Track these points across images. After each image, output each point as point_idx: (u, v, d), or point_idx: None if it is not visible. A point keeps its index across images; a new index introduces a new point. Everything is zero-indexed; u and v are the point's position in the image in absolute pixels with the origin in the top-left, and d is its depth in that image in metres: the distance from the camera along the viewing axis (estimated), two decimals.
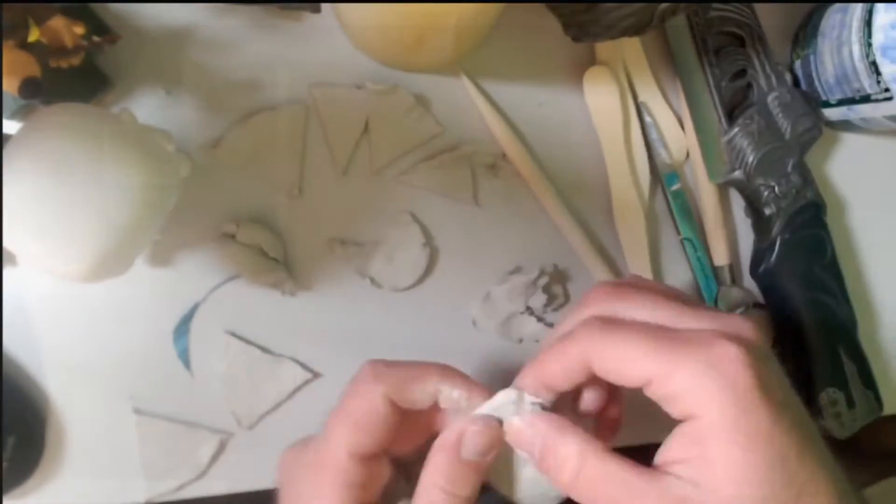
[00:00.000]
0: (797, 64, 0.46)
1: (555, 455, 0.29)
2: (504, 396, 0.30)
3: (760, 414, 0.26)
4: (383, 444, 0.31)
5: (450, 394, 0.31)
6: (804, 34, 0.46)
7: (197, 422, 0.41)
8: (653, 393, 0.28)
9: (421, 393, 0.31)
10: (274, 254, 0.40)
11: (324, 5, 0.41)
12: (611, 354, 0.29)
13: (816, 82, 0.45)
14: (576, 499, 0.28)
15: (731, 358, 0.26)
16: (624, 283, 0.33)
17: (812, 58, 0.45)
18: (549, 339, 0.32)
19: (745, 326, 0.29)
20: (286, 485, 0.32)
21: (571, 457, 0.28)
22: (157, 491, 0.40)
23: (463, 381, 0.31)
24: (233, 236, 0.40)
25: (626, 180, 0.44)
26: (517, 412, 0.30)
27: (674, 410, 0.27)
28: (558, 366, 0.30)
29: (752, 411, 0.26)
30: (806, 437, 0.27)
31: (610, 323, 0.29)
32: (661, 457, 0.28)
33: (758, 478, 0.26)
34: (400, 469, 0.32)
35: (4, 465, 0.37)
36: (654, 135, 0.45)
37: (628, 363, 0.28)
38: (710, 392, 0.26)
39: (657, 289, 0.32)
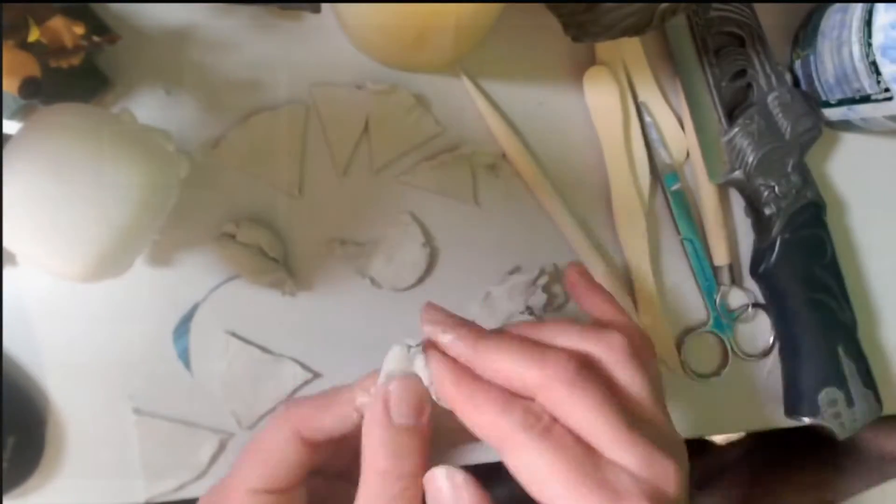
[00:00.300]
0: (797, 64, 0.46)
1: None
2: (393, 354, 0.30)
3: None
4: (292, 479, 0.31)
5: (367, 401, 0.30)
6: (804, 34, 0.46)
7: (197, 422, 0.41)
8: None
9: (333, 420, 0.30)
10: (274, 254, 0.40)
11: (324, 5, 0.41)
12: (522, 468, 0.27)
13: (816, 82, 0.45)
14: None
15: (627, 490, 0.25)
16: (587, 380, 0.28)
17: (812, 58, 0.45)
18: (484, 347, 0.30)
19: (669, 470, 0.27)
20: None
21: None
22: (157, 491, 0.40)
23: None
24: (233, 236, 0.40)
25: (626, 180, 0.44)
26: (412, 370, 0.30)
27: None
28: (476, 416, 0.28)
29: None
30: None
31: (547, 430, 0.27)
32: None
33: None
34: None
35: (4, 465, 0.37)
36: (654, 135, 0.45)
37: (536, 481, 0.26)
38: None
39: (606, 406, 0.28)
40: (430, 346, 0.30)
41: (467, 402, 0.28)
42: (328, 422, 0.30)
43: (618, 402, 0.28)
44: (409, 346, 0.30)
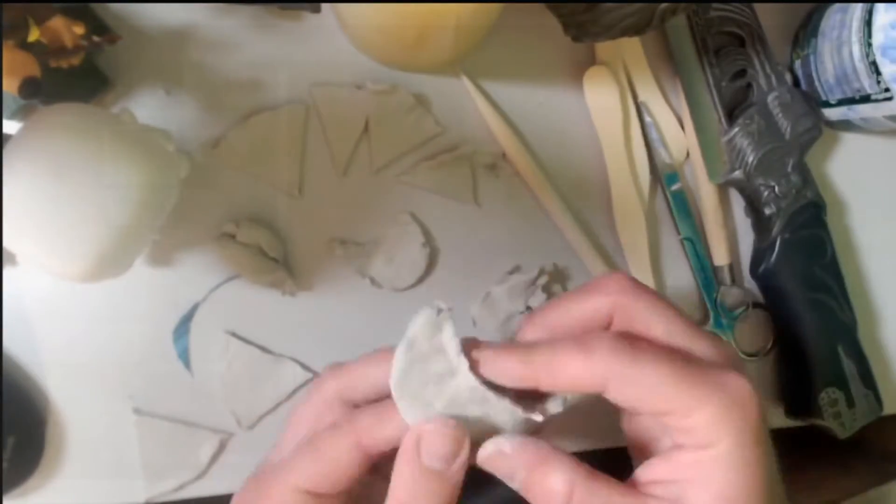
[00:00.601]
0: (797, 64, 0.46)
1: (542, 486, 0.27)
2: (421, 319, 0.28)
3: (760, 447, 0.27)
4: (342, 486, 0.29)
5: None
6: (804, 34, 0.46)
7: (197, 422, 0.41)
8: (663, 423, 0.28)
9: (393, 433, 0.29)
10: (274, 254, 0.40)
11: (324, 5, 0.41)
12: (635, 385, 0.27)
13: (816, 82, 0.45)
14: None
15: (746, 396, 0.27)
16: (643, 285, 0.31)
17: (812, 58, 0.45)
18: (538, 319, 0.31)
19: (735, 353, 0.30)
20: None
21: (560, 487, 0.27)
22: (157, 491, 0.40)
23: None
24: (233, 236, 0.40)
25: (626, 180, 0.44)
26: (457, 370, 0.27)
27: (681, 440, 0.27)
28: (572, 371, 0.27)
29: (755, 444, 0.27)
30: (774, 468, 0.28)
31: (634, 347, 0.27)
32: (645, 475, 0.28)
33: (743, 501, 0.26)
34: None
35: (4, 465, 0.37)
36: (654, 135, 0.45)
37: (652, 396, 0.27)
38: (727, 429, 0.26)
39: (668, 301, 0.31)
40: (472, 346, 0.28)
41: (547, 367, 0.27)
42: (389, 434, 0.29)
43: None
44: (440, 310, 0.28)
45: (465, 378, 0.27)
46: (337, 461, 0.28)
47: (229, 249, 0.39)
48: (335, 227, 0.42)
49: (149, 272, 0.40)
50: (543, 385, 0.28)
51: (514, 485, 0.28)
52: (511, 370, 0.28)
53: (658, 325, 0.29)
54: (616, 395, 0.27)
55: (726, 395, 0.27)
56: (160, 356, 0.40)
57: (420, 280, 0.43)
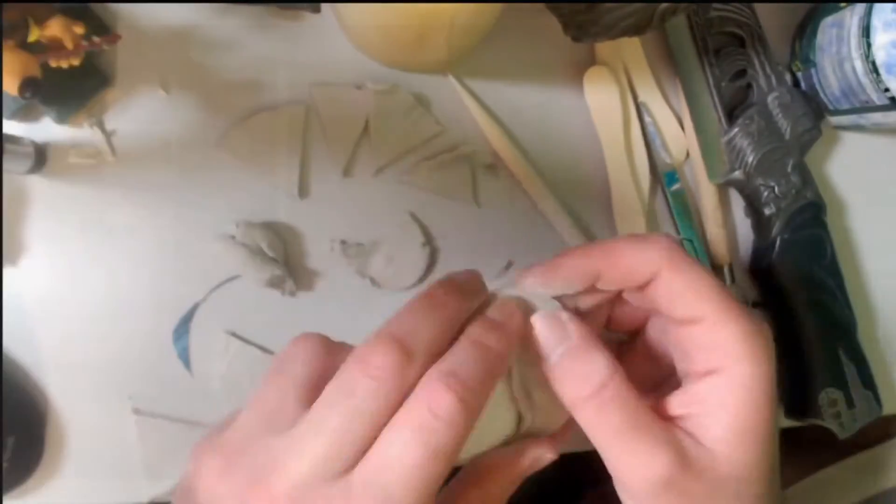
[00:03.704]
0: (799, 75, 0.46)
1: (583, 363, 0.27)
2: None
3: (773, 387, 0.27)
4: None
5: None
6: (800, 46, 0.46)
7: (197, 422, 0.41)
8: (695, 334, 0.28)
9: None
10: (274, 254, 0.40)
11: (324, 5, 0.41)
12: (681, 280, 0.28)
13: (821, 94, 0.45)
14: (580, 418, 0.27)
15: (767, 331, 0.28)
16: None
17: (814, 71, 0.45)
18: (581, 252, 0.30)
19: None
20: None
21: (600, 371, 0.27)
22: (158, 491, 0.40)
23: None
24: (233, 237, 0.40)
25: (626, 180, 0.44)
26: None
27: (705, 358, 0.28)
28: (631, 259, 0.29)
29: (771, 380, 0.27)
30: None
31: (682, 250, 0.29)
32: (670, 407, 0.28)
33: (754, 440, 0.27)
34: None
35: (4, 465, 0.37)
36: (653, 135, 0.45)
37: (693, 295, 0.28)
38: (752, 351, 0.27)
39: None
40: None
41: (606, 257, 0.29)
42: None
43: None
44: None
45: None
46: None
47: (229, 249, 0.39)
48: (335, 227, 0.42)
49: (149, 272, 0.40)
50: (603, 276, 0.29)
51: (552, 358, 0.28)
52: (572, 265, 0.29)
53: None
54: (662, 288, 0.28)
55: (756, 323, 0.28)
56: (160, 356, 0.40)
57: (420, 280, 0.43)
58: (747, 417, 0.27)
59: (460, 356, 0.26)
